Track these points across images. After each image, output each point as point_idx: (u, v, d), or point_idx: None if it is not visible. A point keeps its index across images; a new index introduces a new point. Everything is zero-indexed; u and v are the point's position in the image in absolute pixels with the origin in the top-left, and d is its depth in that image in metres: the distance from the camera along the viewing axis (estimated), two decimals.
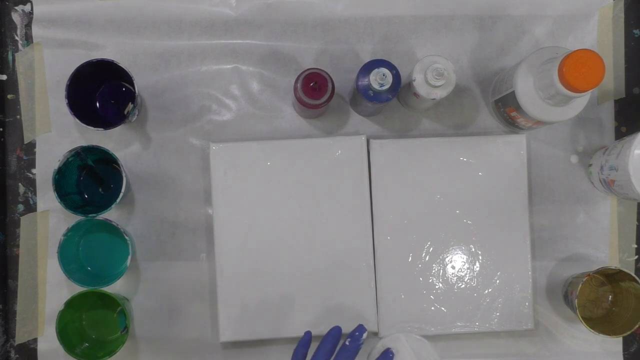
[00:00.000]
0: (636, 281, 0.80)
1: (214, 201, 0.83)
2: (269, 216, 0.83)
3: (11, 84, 0.85)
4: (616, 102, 0.88)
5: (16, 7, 0.86)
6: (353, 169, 0.83)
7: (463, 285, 0.84)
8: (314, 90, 0.76)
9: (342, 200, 0.83)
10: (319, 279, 0.83)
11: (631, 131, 0.88)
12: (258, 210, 0.83)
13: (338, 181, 0.83)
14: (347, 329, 0.83)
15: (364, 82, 0.77)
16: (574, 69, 0.69)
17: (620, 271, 0.81)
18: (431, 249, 0.84)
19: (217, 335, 0.83)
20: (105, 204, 0.79)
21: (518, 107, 0.78)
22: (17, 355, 0.85)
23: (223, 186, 0.83)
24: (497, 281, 0.84)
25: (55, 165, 0.77)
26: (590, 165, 0.87)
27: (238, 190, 0.83)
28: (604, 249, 0.88)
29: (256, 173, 0.83)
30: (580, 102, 0.76)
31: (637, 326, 0.80)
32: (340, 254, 0.83)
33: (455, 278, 0.84)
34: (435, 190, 0.84)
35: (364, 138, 0.84)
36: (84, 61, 0.78)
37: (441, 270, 0.84)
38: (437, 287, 0.84)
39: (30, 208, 0.85)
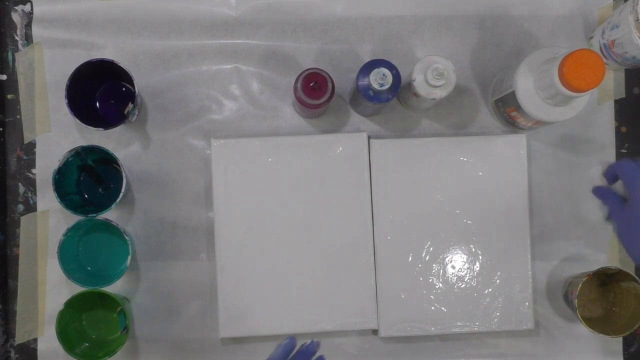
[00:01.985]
0: (636, 281, 0.80)
1: (214, 197, 0.83)
2: (270, 213, 0.83)
3: (11, 84, 0.85)
4: (616, 102, 0.88)
5: (16, 7, 0.86)
6: (354, 166, 0.83)
7: (463, 285, 0.84)
8: (314, 90, 0.76)
9: (343, 197, 0.83)
10: (319, 275, 0.83)
11: (631, 131, 0.88)
12: (259, 207, 0.83)
13: (339, 178, 0.83)
14: (346, 326, 0.83)
15: (364, 82, 0.77)
16: (574, 69, 0.69)
17: (620, 271, 0.81)
18: (431, 248, 0.84)
19: (217, 332, 0.83)
20: (105, 204, 0.79)
21: (518, 107, 0.78)
22: (17, 355, 0.85)
23: (224, 182, 0.83)
24: (497, 281, 0.84)
25: (55, 165, 0.77)
26: (592, 37, 0.86)
27: (239, 187, 0.83)
28: (604, 249, 0.88)
29: (257, 169, 0.83)
30: (580, 102, 0.76)
31: (637, 326, 0.80)
32: (340, 251, 0.83)
33: (455, 278, 0.84)
34: (435, 190, 0.84)
35: (365, 135, 0.84)
36: (84, 61, 0.78)
37: (441, 270, 0.84)
38: (437, 286, 0.84)
39: (30, 208, 0.85)
